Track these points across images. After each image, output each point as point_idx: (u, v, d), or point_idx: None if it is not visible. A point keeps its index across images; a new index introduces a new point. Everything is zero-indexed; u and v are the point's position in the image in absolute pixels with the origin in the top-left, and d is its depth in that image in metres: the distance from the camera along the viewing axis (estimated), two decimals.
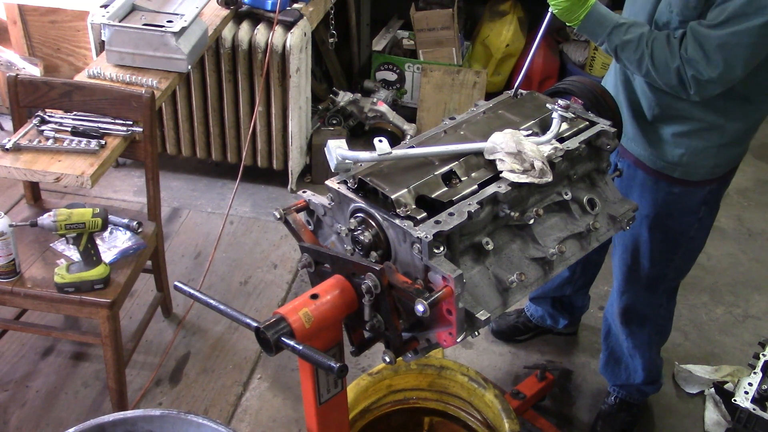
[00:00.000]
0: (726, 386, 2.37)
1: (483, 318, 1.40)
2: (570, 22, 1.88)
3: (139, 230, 2.36)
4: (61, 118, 2.28)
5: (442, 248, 1.38)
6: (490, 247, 1.51)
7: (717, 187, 2.05)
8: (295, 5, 3.34)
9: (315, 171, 3.66)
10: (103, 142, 2.21)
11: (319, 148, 3.57)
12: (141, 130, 2.29)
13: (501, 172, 1.56)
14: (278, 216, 1.62)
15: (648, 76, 1.80)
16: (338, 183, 1.55)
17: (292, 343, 1.33)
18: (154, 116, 2.30)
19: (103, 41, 2.53)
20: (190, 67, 2.55)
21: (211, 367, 2.65)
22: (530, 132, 1.69)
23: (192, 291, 1.52)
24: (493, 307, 1.49)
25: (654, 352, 2.42)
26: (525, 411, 2.39)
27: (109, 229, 2.34)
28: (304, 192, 1.66)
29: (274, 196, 3.58)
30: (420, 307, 1.31)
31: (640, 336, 2.37)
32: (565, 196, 1.68)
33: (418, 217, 1.41)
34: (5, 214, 2.13)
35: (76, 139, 2.20)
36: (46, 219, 2.07)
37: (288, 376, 2.63)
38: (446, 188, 1.52)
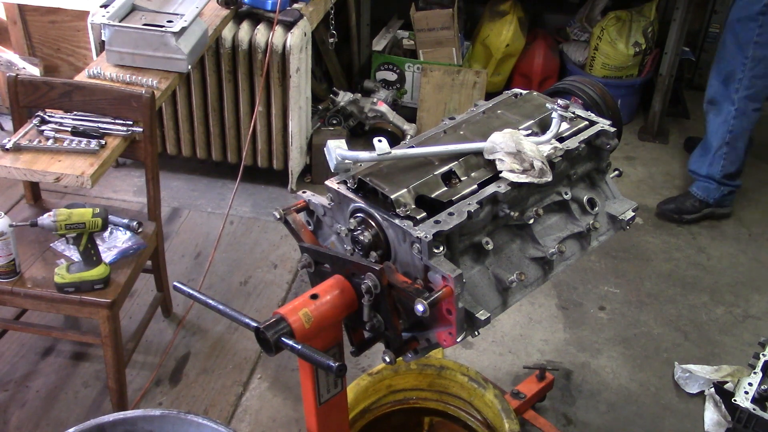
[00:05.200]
0: (726, 386, 2.37)
1: (483, 318, 1.40)
2: None
3: (139, 230, 2.36)
4: (61, 118, 2.28)
5: (441, 248, 1.38)
6: (490, 246, 1.51)
7: None
8: (295, 5, 3.34)
9: (315, 171, 3.66)
10: (103, 142, 2.21)
11: (319, 148, 3.57)
12: (141, 130, 2.29)
13: (500, 171, 1.56)
14: (278, 216, 1.62)
15: None
16: (338, 183, 1.55)
17: (291, 343, 1.33)
18: (154, 116, 2.30)
19: (103, 41, 2.53)
20: (190, 67, 2.55)
21: (211, 367, 2.65)
22: (530, 132, 1.69)
23: (191, 291, 1.52)
24: (493, 307, 1.50)
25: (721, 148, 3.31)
26: (525, 411, 2.39)
27: (109, 229, 2.34)
28: (304, 192, 1.66)
29: (274, 196, 3.58)
30: (420, 307, 1.31)
31: (714, 122, 3.33)
32: (565, 196, 1.68)
33: (418, 217, 1.41)
34: (5, 214, 2.13)
35: (76, 139, 2.20)
36: (46, 219, 2.07)
37: (288, 376, 2.63)
38: (446, 188, 1.52)
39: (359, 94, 3.89)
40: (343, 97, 3.79)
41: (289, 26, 3.22)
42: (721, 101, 3.32)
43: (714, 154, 3.40)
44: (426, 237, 1.36)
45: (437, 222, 1.41)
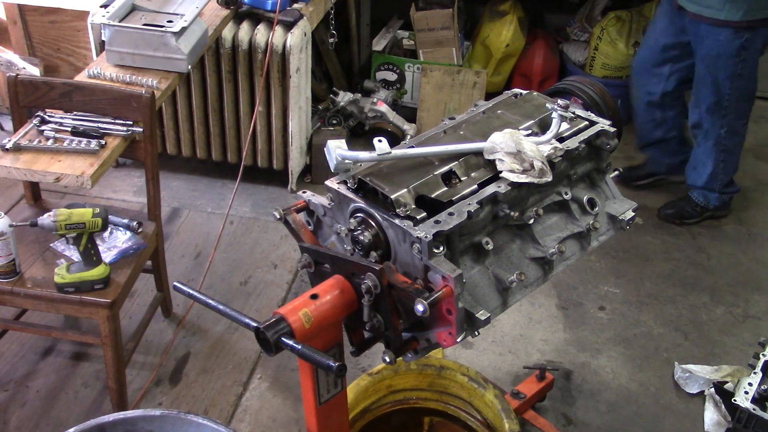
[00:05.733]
0: (726, 386, 2.37)
1: (483, 318, 1.40)
2: None
3: (139, 230, 2.36)
4: (61, 118, 2.28)
5: (441, 248, 1.38)
6: (490, 246, 1.51)
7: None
8: (295, 5, 3.34)
9: (315, 171, 3.66)
10: (103, 142, 2.21)
11: (319, 148, 3.57)
12: (141, 130, 2.29)
13: (501, 171, 1.56)
14: (278, 216, 1.62)
15: None
16: (338, 183, 1.55)
17: (291, 343, 1.33)
18: (154, 116, 2.30)
19: (103, 41, 2.53)
20: (190, 67, 2.55)
21: (211, 367, 2.65)
22: (530, 132, 1.69)
23: (191, 291, 1.52)
24: (493, 307, 1.49)
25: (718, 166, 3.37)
26: (525, 411, 2.39)
27: (109, 229, 2.34)
28: (304, 192, 1.66)
29: (274, 196, 3.58)
30: (420, 307, 1.31)
31: (705, 145, 3.34)
32: (565, 196, 1.68)
33: (418, 217, 1.41)
34: (5, 214, 2.13)
35: (76, 139, 2.20)
36: (46, 219, 2.07)
37: (288, 376, 2.63)
38: (446, 188, 1.52)
39: (359, 94, 3.89)
40: (343, 97, 3.79)
41: (289, 26, 3.22)
42: (709, 126, 3.31)
43: (710, 172, 3.40)
44: (426, 237, 1.36)
45: (437, 222, 1.41)
